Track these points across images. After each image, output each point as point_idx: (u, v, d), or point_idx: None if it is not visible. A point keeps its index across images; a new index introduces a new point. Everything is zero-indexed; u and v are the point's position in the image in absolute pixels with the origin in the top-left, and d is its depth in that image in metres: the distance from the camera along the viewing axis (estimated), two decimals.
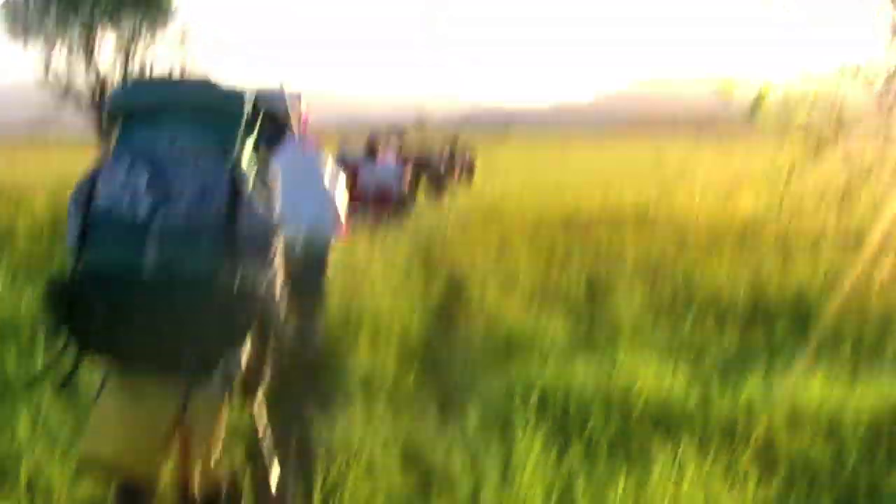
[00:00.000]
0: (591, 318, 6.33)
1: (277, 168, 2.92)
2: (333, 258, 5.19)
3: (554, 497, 3.42)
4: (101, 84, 26.51)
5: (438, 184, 16.72)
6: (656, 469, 3.53)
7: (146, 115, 2.63)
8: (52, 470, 3.64)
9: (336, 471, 3.66)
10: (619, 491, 3.42)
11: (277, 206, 2.78)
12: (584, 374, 4.69)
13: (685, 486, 3.43)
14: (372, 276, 6.88)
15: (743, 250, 8.60)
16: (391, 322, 5.88)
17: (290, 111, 4.94)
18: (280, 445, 3.43)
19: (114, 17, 26.12)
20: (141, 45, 26.80)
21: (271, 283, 2.72)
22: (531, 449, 3.69)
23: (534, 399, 4.30)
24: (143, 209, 2.45)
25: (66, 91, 26.34)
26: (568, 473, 3.60)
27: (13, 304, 6.26)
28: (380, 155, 12.11)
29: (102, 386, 2.67)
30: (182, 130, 2.58)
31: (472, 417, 4.05)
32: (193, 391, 2.47)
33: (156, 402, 2.57)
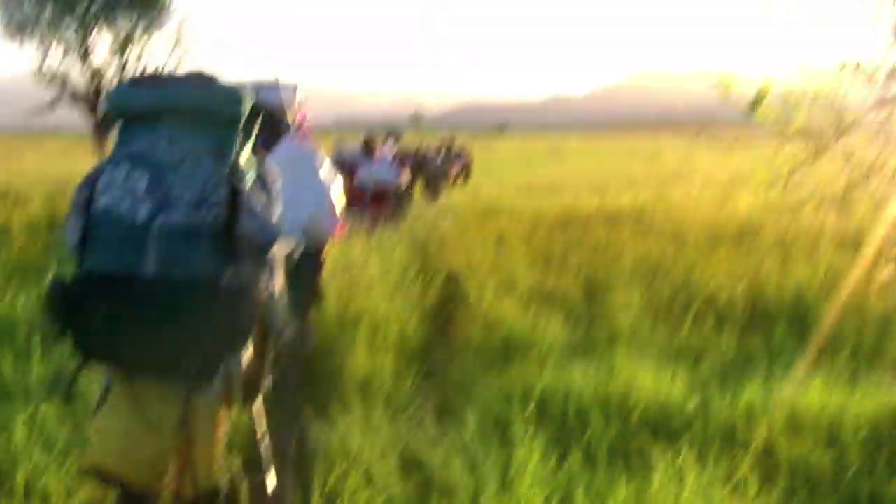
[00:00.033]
0: (589, 321, 6.32)
1: (277, 168, 2.92)
2: (330, 258, 5.17)
3: None
4: (98, 82, 26.49)
5: (435, 183, 16.74)
6: (656, 477, 3.52)
7: (145, 116, 2.62)
8: (49, 475, 3.62)
9: (334, 478, 3.65)
10: (620, 500, 3.41)
11: (277, 206, 2.78)
12: (582, 379, 4.67)
13: (685, 494, 3.42)
14: (369, 278, 6.86)
15: (741, 251, 8.60)
16: (388, 326, 5.86)
17: (286, 104, 4.92)
18: (278, 452, 3.41)
19: (109, 17, 26.08)
20: (137, 44, 26.79)
21: (272, 285, 2.73)
22: (530, 456, 3.68)
23: (532, 404, 4.29)
24: (143, 212, 2.45)
25: (63, 88, 26.31)
26: (568, 481, 3.59)
27: (9, 305, 6.22)
28: (377, 153, 12.08)
29: (105, 394, 2.66)
30: (181, 132, 2.57)
31: (471, 423, 4.02)
32: (194, 396, 2.48)
33: (157, 409, 2.57)
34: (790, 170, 7.71)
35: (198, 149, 2.55)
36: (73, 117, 27.50)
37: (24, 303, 6.20)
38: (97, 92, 26.33)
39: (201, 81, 2.69)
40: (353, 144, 12.69)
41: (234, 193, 2.50)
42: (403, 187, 12.58)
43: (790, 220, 9.68)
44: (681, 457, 3.66)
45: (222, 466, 2.78)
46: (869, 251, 7.41)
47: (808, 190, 8.14)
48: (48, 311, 2.51)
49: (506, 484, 3.56)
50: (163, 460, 2.63)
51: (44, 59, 26.22)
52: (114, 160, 2.57)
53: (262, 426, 3.22)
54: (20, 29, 25.86)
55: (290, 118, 4.98)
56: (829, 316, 6.04)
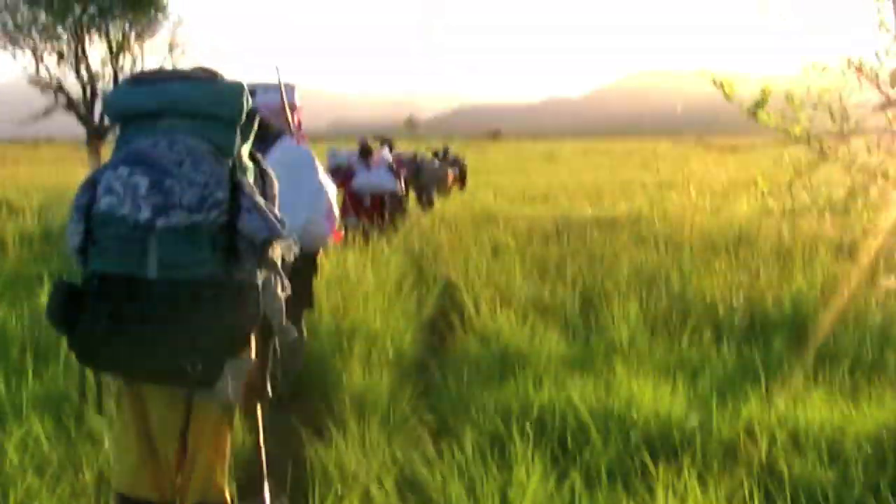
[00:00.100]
0: (587, 333, 6.27)
1: (275, 169, 2.92)
2: (325, 270, 5.13)
3: None
4: (92, 88, 26.47)
5: (429, 190, 16.72)
6: (658, 497, 3.47)
7: (145, 118, 2.63)
8: (42, 496, 3.56)
9: (331, 500, 3.60)
10: None
11: (277, 207, 2.79)
12: (581, 395, 4.61)
13: None
14: (364, 291, 6.81)
15: (739, 260, 8.56)
16: (384, 340, 5.82)
17: (285, 104, 4.90)
18: (273, 472, 3.38)
19: (101, 25, 26.08)
20: (130, 51, 26.79)
21: (272, 286, 2.74)
22: (530, 476, 3.63)
23: (531, 422, 4.23)
24: (144, 213, 2.46)
25: (57, 96, 26.28)
26: (568, 503, 3.54)
27: (1, 320, 6.14)
28: (374, 157, 11.94)
29: (116, 405, 2.71)
30: (181, 133, 2.58)
31: (469, 442, 3.97)
32: (196, 400, 2.51)
33: (162, 415, 2.62)
34: (792, 176, 7.68)
35: (198, 149, 2.55)
36: (67, 126, 27.45)
37: (17, 318, 6.12)
38: (91, 99, 26.32)
39: (204, 76, 2.69)
40: (347, 150, 12.61)
41: (235, 193, 2.51)
42: (401, 194, 12.53)
43: (788, 228, 9.64)
44: (682, 476, 3.61)
45: (223, 487, 2.75)
46: (868, 259, 7.38)
47: (809, 196, 8.11)
48: (51, 315, 2.53)
49: None
50: (170, 470, 2.65)
51: (37, 67, 26.22)
52: (114, 161, 2.58)
53: (260, 440, 3.21)
54: (13, 38, 25.82)
55: (288, 119, 4.95)
56: (828, 327, 5.99)
